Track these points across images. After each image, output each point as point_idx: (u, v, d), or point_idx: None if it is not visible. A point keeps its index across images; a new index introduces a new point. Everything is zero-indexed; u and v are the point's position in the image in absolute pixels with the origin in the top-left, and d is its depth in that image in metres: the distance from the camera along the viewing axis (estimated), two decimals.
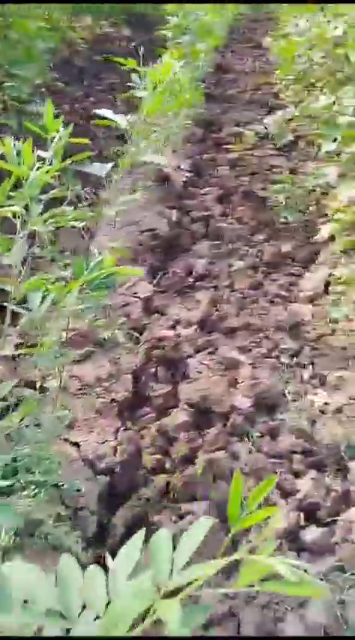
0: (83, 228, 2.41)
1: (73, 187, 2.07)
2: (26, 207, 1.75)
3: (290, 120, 3.64)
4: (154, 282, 3.23)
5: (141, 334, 2.79)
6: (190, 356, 2.66)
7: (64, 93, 5.31)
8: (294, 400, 2.54)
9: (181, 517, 1.97)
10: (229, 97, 6.22)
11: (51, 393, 2.11)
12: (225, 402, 2.35)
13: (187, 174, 4.32)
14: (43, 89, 4.76)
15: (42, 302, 1.56)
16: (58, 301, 1.59)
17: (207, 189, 4.16)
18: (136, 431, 2.32)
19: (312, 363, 2.73)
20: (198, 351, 2.71)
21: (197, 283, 3.22)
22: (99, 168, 2.58)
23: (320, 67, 4.49)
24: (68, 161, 1.87)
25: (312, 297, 3.09)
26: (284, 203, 3.62)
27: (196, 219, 3.78)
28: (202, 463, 2.10)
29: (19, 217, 1.74)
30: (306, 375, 2.68)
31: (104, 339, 2.63)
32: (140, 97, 3.56)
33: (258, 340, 2.79)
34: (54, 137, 1.91)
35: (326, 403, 2.52)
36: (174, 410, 2.39)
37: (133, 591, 0.57)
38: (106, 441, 2.24)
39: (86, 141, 2.04)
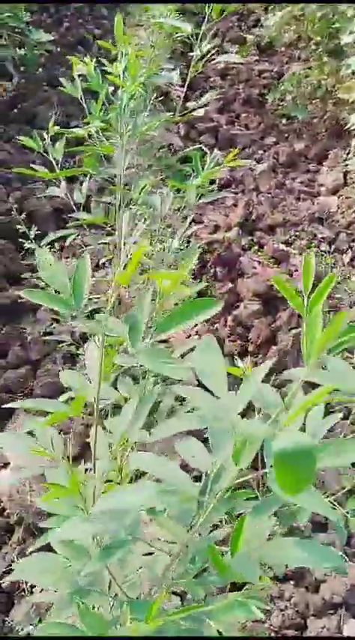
0: None
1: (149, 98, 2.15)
2: (116, 120, 1.86)
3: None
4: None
5: (188, 243, 2.96)
6: (240, 255, 2.85)
7: None
8: (339, 283, 2.79)
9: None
10: None
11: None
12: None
13: (181, 88, 4.35)
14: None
15: (163, 203, 1.72)
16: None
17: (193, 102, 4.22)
18: (210, 324, 2.54)
19: (350, 248, 2.97)
20: (246, 250, 2.90)
21: (223, 190, 3.37)
22: (169, 77, 2.65)
23: None
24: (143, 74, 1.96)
25: (335, 189, 3.29)
26: (291, 103, 3.73)
27: (204, 130, 3.87)
28: (283, 341, 2.35)
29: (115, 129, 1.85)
30: (347, 259, 2.91)
31: None
32: None
33: (297, 233, 2.99)
34: (124, 51, 1.99)
35: None
36: (240, 303, 2.61)
37: None
38: (190, 335, 2.45)
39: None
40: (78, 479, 0.88)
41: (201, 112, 2.50)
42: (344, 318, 0.63)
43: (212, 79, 4.52)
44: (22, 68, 4.28)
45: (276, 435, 0.60)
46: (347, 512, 0.99)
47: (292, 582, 1.71)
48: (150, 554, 1.05)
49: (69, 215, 3.02)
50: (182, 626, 0.78)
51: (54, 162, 1.91)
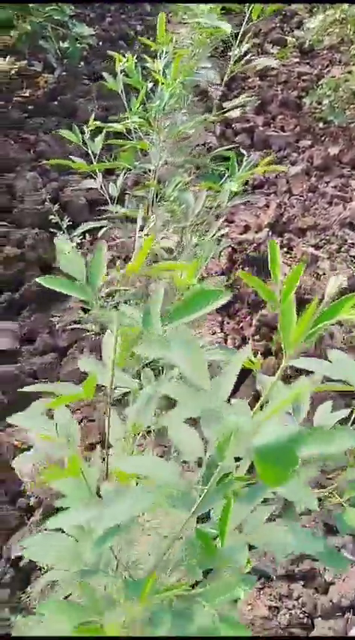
0: None
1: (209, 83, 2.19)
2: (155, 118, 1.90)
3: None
4: None
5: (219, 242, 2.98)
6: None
7: None
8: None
9: None
10: None
11: None
12: (316, 291, 2.59)
13: (220, 87, 4.37)
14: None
15: (196, 201, 1.75)
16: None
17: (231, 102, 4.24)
18: (236, 323, 2.56)
19: None
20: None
21: (256, 191, 3.39)
22: (210, 75, 2.70)
23: None
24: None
25: None
26: (328, 107, 3.73)
27: (239, 130, 3.89)
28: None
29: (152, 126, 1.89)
30: None
31: None
32: None
33: (328, 237, 3.00)
34: (165, 49, 2.02)
35: None
36: (267, 304, 2.63)
37: None
38: (215, 332, 2.48)
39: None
40: (78, 462, 0.92)
41: (236, 113, 2.52)
42: (315, 306, 0.67)
43: (251, 80, 4.53)
44: (64, 61, 4.35)
45: (259, 428, 0.62)
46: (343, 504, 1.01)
47: (301, 582, 1.73)
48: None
49: (102, 208, 3.08)
50: (175, 608, 0.81)
51: (92, 156, 1.96)
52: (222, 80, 4.01)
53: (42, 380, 2.25)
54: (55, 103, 3.98)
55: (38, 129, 3.65)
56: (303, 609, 1.66)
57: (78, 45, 4.12)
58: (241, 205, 3.29)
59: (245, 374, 2.09)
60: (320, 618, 1.65)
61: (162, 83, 1.78)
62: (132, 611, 0.76)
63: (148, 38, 5.19)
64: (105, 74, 1.97)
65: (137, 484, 0.93)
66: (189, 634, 0.75)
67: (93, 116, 1.95)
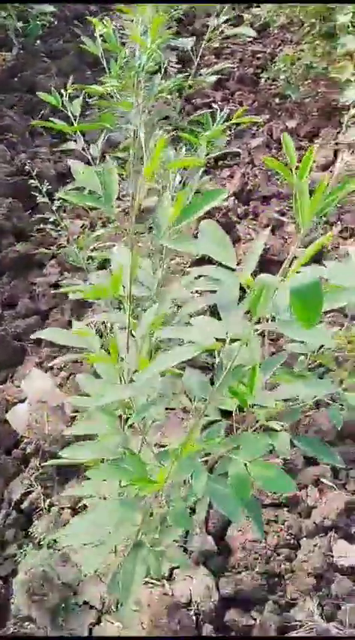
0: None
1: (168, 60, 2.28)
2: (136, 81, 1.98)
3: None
4: None
5: None
6: (237, 222, 3.00)
7: None
8: (330, 250, 2.95)
9: None
10: None
11: None
12: (283, 253, 2.73)
13: (177, 65, 4.46)
14: None
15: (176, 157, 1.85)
16: None
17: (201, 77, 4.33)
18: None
19: (340, 220, 3.13)
20: (241, 218, 3.05)
21: (219, 162, 3.51)
22: (185, 42, 2.78)
23: None
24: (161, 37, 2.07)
25: (326, 165, 3.45)
26: (285, 82, 3.87)
27: (200, 105, 3.99)
28: None
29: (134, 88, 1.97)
30: (336, 230, 3.08)
31: None
32: None
33: (291, 204, 3.14)
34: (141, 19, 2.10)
35: None
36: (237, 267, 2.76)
37: None
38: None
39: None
40: (117, 347, 1.03)
41: (212, 79, 2.63)
42: (325, 183, 0.80)
43: (206, 58, 4.63)
44: (20, 40, 4.34)
45: (288, 279, 0.75)
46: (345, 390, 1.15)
47: (286, 509, 1.88)
48: None
49: (72, 178, 3.12)
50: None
51: (72, 117, 2.02)
52: (180, 58, 4.11)
53: (26, 341, 2.31)
54: (15, 79, 3.99)
55: (0, 104, 3.66)
56: (290, 531, 1.80)
57: (37, 22, 4.13)
58: (206, 176, 3.40)
59: None
60: (305, 538, 1.80)
61: (142, 45, 1.86)
62: (176, 467, 0.87)
63: (103, 17, 5.19)
64: (84, 38, 2.04)
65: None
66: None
67: (71, 79, 2.01)
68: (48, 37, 4.60)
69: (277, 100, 4.10)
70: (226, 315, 0.88)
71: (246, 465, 0.89)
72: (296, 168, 0.86)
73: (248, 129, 3.79)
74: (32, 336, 1.16)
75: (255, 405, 0.93)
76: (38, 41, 4.50)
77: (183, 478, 0.97)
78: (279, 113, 3.98)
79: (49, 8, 4.13)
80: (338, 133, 3.64)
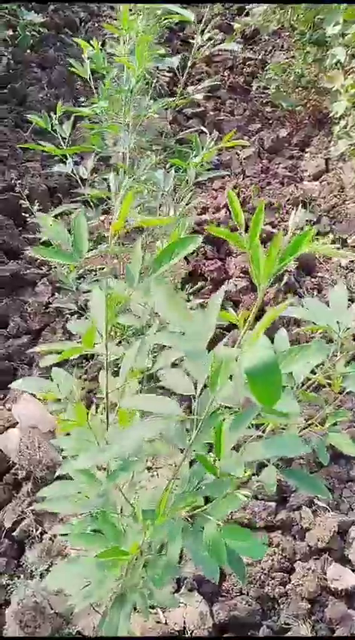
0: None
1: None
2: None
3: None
4: None
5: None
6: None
7: None
8: (324, 262, 2.95)
9: None
10: None
11: None
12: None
13: (167, 73, 4.45)
14: None
15: (166, 179, 1.84)
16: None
17: (192, 87, 4.33)
18: (203, 299, 2.67)
19: (331, 231, 3.13)
20: (234, 230, 3.04)
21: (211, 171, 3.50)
22: (171, 62, 2.77)
23: None
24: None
25: (317, 175, 3.45)
26: (276, 91, 3.87)
27: (191, 115, 3.99)
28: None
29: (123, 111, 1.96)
30: (328, 241, 3.07)
31: None
32: None
33: (282, 216, 3.14)
34: (129, 35, 2.10)
35: (351, 261, 2.94)
36: (229, 280, 2.75)
37: None
38: None
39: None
40: (84, 413, 1.02)
41: (200, 96, 2.62)
42: (279, 240, 0.79)
43: (198, 66, 4.62)
44: (10, 49, 4.32)
45: (243, 353, 0.74)
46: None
47: (280, 531, 1.87)
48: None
49: (62, 194, 3.11)
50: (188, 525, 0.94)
51: (61, 139, 2.01)
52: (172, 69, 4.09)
53: (18, 361, 2.30)
54: (5, 91, 3.97)
55: None
56: (284, 554, 1.80)
57: (27, 32, 4.11)
58: (198, 189, 3.40)
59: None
60: (299, 561, 1.80)
61: (129, 68, 1.85)
62: (151, 531, 0.87)
63: (94, 24, 5.16)
64: (71, 61, 2.03)
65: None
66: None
67: (60, 103, 2.00)
68: (38, 47, 4.58)
69: (268, 109, 4.10)
70: (194, 367, 0.88)
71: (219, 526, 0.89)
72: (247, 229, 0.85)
73: (239, 138, 3.79)
74: (11, 385, 1.15)
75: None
76: (28, 51, 4.48)
77: (159, 542, 0.98)
78: (271, 122, 3.98)
79: (39, 19, 4.11)
80: (330, 141, 3.64)
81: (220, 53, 4.73)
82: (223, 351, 0.82)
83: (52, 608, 1.58)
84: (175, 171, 2.02)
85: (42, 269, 2.60)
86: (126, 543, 0.99)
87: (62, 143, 2.01)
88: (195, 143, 1.85)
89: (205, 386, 0.92)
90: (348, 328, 1.18)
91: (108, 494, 1.10)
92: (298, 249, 0.86)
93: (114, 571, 1.03)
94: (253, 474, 1.30)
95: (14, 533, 1.79)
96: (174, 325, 0.90)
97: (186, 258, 2.89)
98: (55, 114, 2.01)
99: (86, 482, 1.13)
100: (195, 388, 0.93)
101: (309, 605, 1.70)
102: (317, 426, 1.19)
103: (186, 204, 1.82)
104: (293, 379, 1.19)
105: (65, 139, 2.00)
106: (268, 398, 0.72)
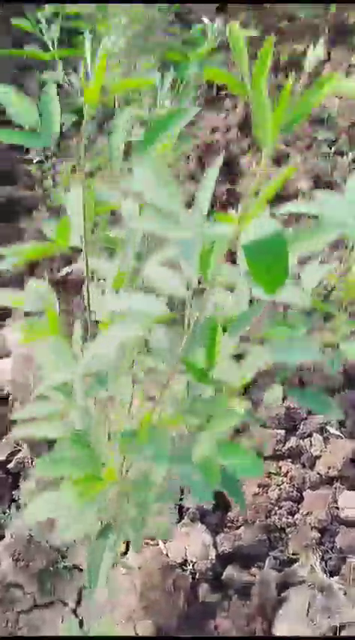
0: None
1: None
2: None
3: None
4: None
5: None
6: (240, 155, 2.80)
7: None
8: (341, 183, 2.75)
9: None
10: None
11: None
12: (292, 184, 2.55)
13: None
14: None
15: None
16: None
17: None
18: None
19: (351, 150, 2.91)
20: (245, 153, 2.84)
21: (220, 92, 3.27)
22: None
23: None
24: None
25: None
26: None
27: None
28: None
29: None
30: (347, 160, 2.86)
31: None
32: None
33: (297, 134, 2.92)
34: None
35: None
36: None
37: None
38: None
39: None
40: (56, 319, 0.89)
41: None
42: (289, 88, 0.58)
43: None
44: None
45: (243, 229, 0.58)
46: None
47: (289, 460, 1.77)
48: None
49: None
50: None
51: (50, 43, 1.83)
52: None
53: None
54: None
55: None
56: (292, 483, 1.70)
57: None
58: (205, 107, 3.18)
59: None
60: (309, 490, 1.70)
61: None
62: (133, 448, 0.75)
63: None
64: None
65: None
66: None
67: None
68: None
69: (286, 22, 3.79)
70: (186, 260, 0.72)
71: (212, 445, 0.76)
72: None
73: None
74: None
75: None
76: None
77: (141, 467, 0.87)
78: (287, 36, 3.68)
79: None
80: (351, 56, 3.36)
81: None
82: (217, 227, 0.65)
83: (47, 542, 1.51)
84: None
85: (38, 192, 2.45)
86: (104, 469, 0.88)
87: (50, 46, 1.83)
88: (197, 34, 1.65)
89: (200, 283, 0.78)
90: None
91: (85, 413, 0.99)
92: (321, 90, 0.63)
93: (92, 500, 0.93)
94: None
95: (9, 466, 1.72)
96: (162, 207, 0.73)
97: (192, 177, 2.71)
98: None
99: (64, 400, 1.02)
100: (188, 289, 0.79)
101: (319, 535, 1.61)
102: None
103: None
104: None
105: (52, 40, 1.82)
106: (271, 281, 0.56)
